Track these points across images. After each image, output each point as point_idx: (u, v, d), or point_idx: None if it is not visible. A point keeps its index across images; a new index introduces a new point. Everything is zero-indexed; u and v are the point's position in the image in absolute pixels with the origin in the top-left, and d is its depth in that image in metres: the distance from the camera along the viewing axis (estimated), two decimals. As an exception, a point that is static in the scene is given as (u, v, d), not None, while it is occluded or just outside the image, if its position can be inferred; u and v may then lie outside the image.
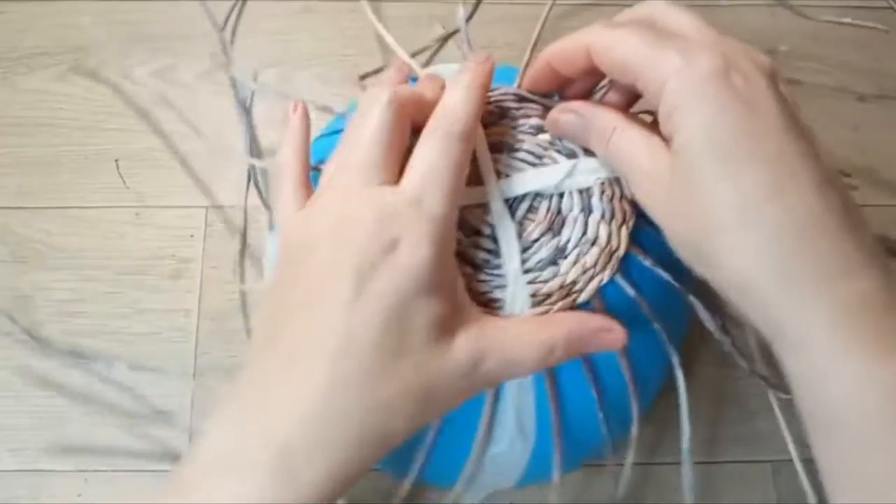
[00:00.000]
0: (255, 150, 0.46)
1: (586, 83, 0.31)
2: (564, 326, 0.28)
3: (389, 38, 0.43)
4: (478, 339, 0.26)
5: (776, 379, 0.41)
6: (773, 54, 0.49)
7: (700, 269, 0.27)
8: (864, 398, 0.24)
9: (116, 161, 0.46)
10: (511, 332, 0.27)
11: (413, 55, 0.45)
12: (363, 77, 0.41)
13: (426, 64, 0.49)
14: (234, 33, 0.50)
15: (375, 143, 0.27)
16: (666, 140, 0.27)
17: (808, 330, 0.24)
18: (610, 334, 0.29)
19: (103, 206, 0.46)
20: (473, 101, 0.28)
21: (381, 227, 0.25)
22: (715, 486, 0.41)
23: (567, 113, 0.30)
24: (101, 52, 0.49)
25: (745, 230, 0.25)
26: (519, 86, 0.33)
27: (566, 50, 0.29)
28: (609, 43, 0.27)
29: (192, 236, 0.45)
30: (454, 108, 0.28)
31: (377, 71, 0.47)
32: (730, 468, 0.41)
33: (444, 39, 0.48)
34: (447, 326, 0.26)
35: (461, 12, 0.37)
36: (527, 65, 0.34)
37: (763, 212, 0.24)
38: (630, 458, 0.35)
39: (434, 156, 0.27)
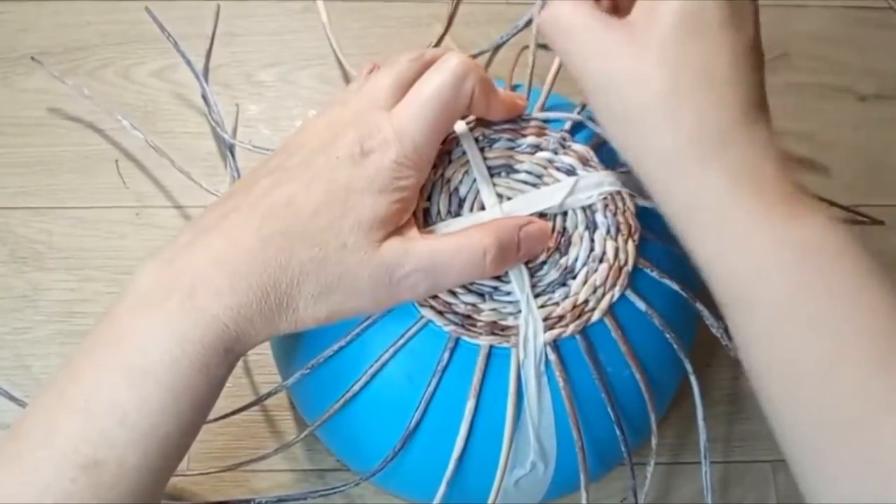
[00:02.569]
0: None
1: None
2: (492, 232, 0.29)
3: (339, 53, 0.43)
4: (405, 244, 0.28)
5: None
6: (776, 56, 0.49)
7: (632, 148, 0.28)
8: (777, 263, 0.25)
9: (116, 161, 0.46)
10: (439, 242, 0.28)
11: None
12: (476, 56, 0.40)
13: None
14: (211, 43, 0.50)
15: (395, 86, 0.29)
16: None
17: (705, 197, 0.26)
18: (536, 224, 0.30)
19: (103, 206, 0.45)
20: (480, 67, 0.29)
21: (364, 137, 0.28)
22: (715, 485, 0.41)
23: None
24: (101, 52, 0.49)
25: (690, 98, 0.26)
26: (542, 108, 0.33)
27: None
28: None
29: (192, 236, 0.45)
30: (468, 60, 0.29)
31: None
32: (729, 468, 0.41)
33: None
34: (382, 229, 0.27)
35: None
36: (551, 86, 0.34)
37: (708, 87, 0.26)
38: (651, 466, 0.35)
39: (430, 88, 0.28)
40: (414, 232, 0.29)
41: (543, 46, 0.41)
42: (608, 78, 0.28)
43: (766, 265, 0.25)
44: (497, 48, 0.39)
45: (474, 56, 0.41)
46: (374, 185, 0.27)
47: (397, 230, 0.28)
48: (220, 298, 0.26)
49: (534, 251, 0.30)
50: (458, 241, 0.29)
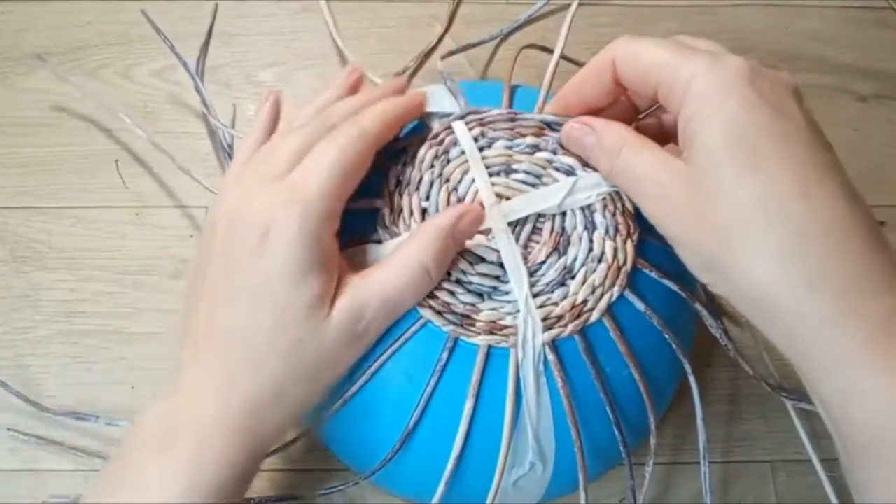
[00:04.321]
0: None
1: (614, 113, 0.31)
2: (426, 245, 0.28)
3: (345, 50, 0.43)
4: (354, 299, 0.28)
5: (777, 382, 0.41)
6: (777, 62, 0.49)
7: (715, 281, 0.26)
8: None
9: (116, 161, 0.46)
10: (381, 277, 0.28)
11: (396, 76, 0.45)
12: (398, 74, 0.41)
13: (395, 76, 0.49)
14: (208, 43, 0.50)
15: (296, 152, 0.29)
16: (680, 150, 0.27)
17: (841, 347, 0.23)
18: (467, 216, 0.29)
19: (103, 206, 0.46)
20: (386, 121, 0.29)
21: (260, 217, 0.27)
22: (714, 485, 0.41)
23: (579, 126, 0.30)
24: (101, 52, 0.49)
25: (770, 229, 0.24)
26: (541, 109, 0.33)
27: (592, 67, 0.29)
28: (634, 49, 0.27)
29: (192, 236, 0.45)
30: (363, 121, 0.29)
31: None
32: (729, 468, 0.41)
33: (424, 58, 0.48)
34: (324, 301, 0.27)
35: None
36: (549, 86, 0.34)
37: (789, 210, 0.24)
38: (650, 467, 0.35)
39: (326, 155, 0.28)
40: (354, 278, 0.29)
41: (544, 49, 0.41)
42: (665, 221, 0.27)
43: (886, 427, 0.23)
44: (469, 47, 0.39)
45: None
46: (291, 262, 0.27)
47: (338, 285, 0.28)
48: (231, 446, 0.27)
49: (471, 236, 0.30)
50: (399, 268, 0.28)
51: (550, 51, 0.36)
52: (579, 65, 0.39)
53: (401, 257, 0.29)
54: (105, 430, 0.41)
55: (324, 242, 0.28)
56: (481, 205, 0.31)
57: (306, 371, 0.28)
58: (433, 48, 0.47)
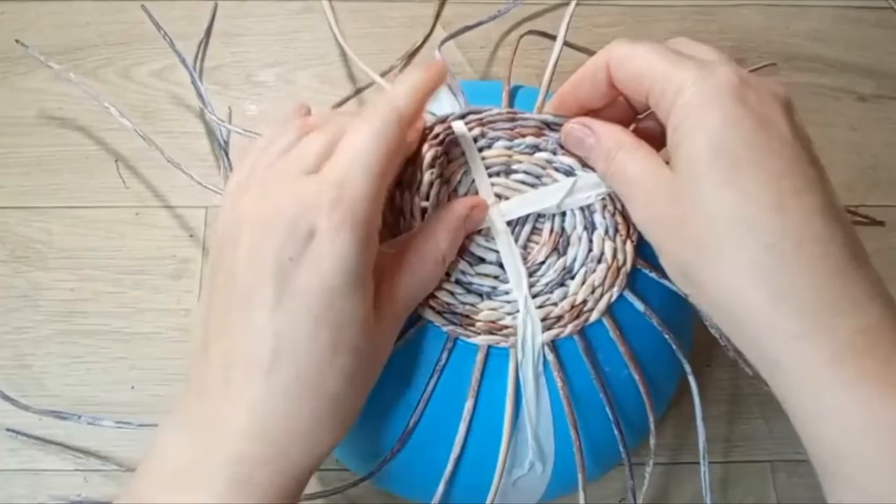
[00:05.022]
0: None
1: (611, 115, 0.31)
2: (442, 235, 0.28)
3: (348, 49, 0.43)
4: (394, 303, 0.27)
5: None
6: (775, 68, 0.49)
7: (691, 291, 0.27)
8: (869, 439, 0.22)
9: (116, 161, 0.47)
10: (410, 276, 0.28)
11: (382, 74, 0.45)
12: (337, 106, 0.41)
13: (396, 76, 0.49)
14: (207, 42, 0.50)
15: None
16: (669, 156, 0.27)
17: (806, 364, 0.23)
18: (476, 211, 0.29)
19: (103, 206, 0.46)
20: (417, 92, 0.27)
21: (299, 216, 0.24)
22: (714, 485, 0.41)
23: (580, 126, 0.30)
24: (101, 52, 0.49)
25: (742, 242, 0.24)
26: (540, 109, 0.33)
27: (588, 69, 0.29)
28: (629, 54, 0.27)
29: (191, 236, 0.45)
30: (395, 97, 0.27)
31: (351, 97, 0.47)
32: (729, 468, 0.41)
33: (410, 56, 0.48)
34: (375, 308, 0.26)
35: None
36: (548, 86, 0.34)
37: (762, 223, 0.24)
38: (650, 467, 0.35)
39: (362, 140, 0.25)
40: (387, 278, 0.27)
41: (547, 35, 0.41)
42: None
43: (856, 445, 0.23)
44: (467, 29, 0.39)
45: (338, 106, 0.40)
46: (341, 278, 0.24)
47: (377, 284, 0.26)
48: (268, 465, 0.24)
49: (478, 226, 0.30)
50: (425, 265, 0.28)
51: (553, 37, 0.36)
52: (583, 51, 0.39)
53: (422, 256, 0.28)
54: (104, 430, 0.41)
55: (372, 242, 0.25)
56: None
57: (363, 384, 0.26)
58: (419, 47, 0.47)
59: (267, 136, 0.29)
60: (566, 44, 0.36)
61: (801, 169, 0.25)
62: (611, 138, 0.29)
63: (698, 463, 0.35)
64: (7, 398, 0.40)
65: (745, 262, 0.24)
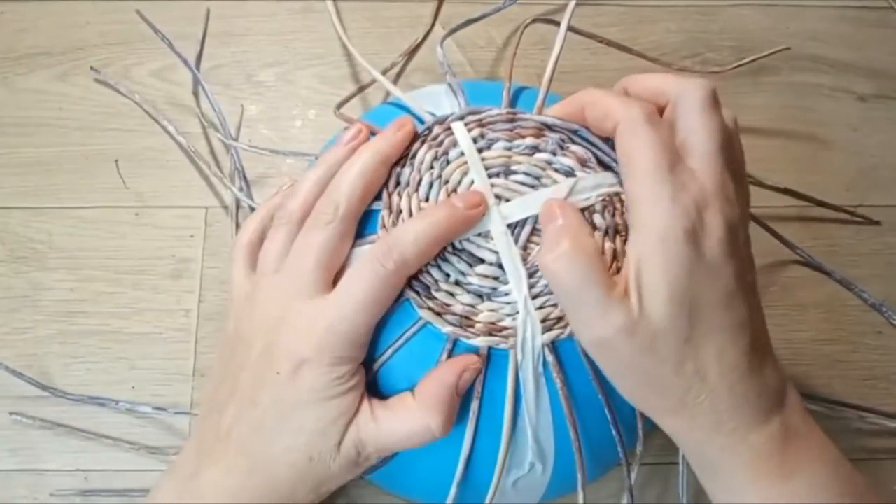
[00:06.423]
0: (241, 180, 0.46)
1: None
2: (433, 408, 0.29)
3: (353, 50, 0.43)
4: (358, 432, 0.30)
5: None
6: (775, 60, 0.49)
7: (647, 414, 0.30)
8: None
9: (116, 161, 0.47)
10: (389, 427, 0.30)
11: (384, 72, 0.45)
12: (340, 105, 0.41)
13: (397, 76, 0.49)
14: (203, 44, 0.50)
15: (324, 257, 0.30)
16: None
17: (730, 467, 0.29)
18: (470, 371, 0.30)
19: (103, 206, 0.46)
20: (422, 242, 0.29)
21: (295, 348, 0.29)
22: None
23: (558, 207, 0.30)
24: (101, 52, 0.49)
25: (694, 405, 0.28)
26: (540, 110, 0.33)
27: (566, 108, 0.32)
28: (601, 114, 0.30)
29: (192, 236, 0.45)
30: (401, 241, 0.29)
31: (353, 95, 0.47)
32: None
33: (411, 53, 0.48)
34: (340, 427, 0.29)
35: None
36: (548, 86, 0.34)
37: (708, 386, 0.28)
38: (649, 467, 0.35)
39: (364, 286, 0.29)
40: (366, 414, 0.30)
41: (551, 21, 0.41)
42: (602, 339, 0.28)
43: None
44: (470, 22, 0.39)
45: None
46: (315, 393, 0.29)
47: (357, 411, 0.30)
48: None
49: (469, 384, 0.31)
50: (408, 425, 0.29)
51: (557, 23, 0.36)
52: (591, 37, 0.40)
53: (411, 416, 0.29)
54: (104, 430, 0.41)
55: (351, 372, 0.29)
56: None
57: (314, 484, 0.30)
58: (419, 44, 0.47)
59: (262, 212, 0.34)
60: (570, 29, 0.35)
61: (730, 317, 0.28)
62: (567, 231, 0.29)
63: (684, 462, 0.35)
64: (43, 386, 0.40)
65: (701, 416, 0.29)
